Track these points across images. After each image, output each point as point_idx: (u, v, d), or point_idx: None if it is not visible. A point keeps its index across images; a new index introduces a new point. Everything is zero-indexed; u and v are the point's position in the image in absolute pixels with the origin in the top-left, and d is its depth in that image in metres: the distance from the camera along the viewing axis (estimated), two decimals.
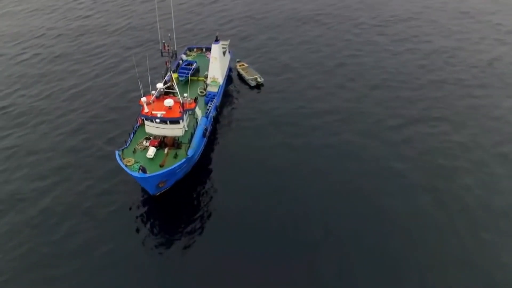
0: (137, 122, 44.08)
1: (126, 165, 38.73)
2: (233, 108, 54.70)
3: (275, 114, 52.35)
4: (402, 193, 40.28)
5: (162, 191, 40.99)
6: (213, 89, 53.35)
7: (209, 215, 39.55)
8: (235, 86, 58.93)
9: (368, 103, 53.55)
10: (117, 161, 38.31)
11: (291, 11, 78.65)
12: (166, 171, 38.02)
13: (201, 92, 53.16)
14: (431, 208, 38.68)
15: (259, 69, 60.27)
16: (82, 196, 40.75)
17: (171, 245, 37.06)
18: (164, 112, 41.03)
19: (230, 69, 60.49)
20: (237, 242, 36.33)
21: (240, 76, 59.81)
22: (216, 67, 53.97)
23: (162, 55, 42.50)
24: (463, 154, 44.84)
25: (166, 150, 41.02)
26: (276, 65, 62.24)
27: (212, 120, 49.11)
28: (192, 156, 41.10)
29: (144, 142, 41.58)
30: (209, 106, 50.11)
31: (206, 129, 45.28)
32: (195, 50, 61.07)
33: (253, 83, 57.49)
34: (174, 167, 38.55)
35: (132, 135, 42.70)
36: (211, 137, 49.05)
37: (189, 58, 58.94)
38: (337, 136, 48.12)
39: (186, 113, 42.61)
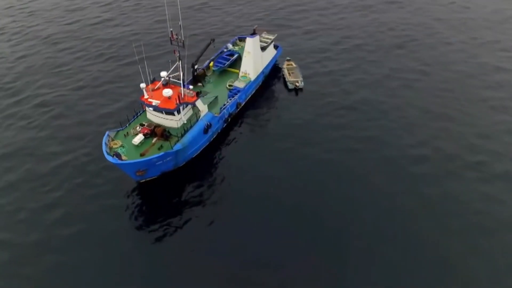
0: (142, 108, 44.03)
1: (111, 147, 39.09)
2: (258, 108, 51.08)
3: (294, 124, 47.81)
4: None
5: (146, 179, 40.49)
6: (239, 84, 50.64)
7: (190, 207, 38.45)
8: (273, 86, 55.08)
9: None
10: (102, 142, 38.71)
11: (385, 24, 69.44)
12: (140, 161, 37.12)
13: (229, 86, 51.03)
14: None
15: (309, 73, 55.59)
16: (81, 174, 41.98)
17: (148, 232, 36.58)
18: (159, 102, 40.04)
19: (274, 67, 56.91)
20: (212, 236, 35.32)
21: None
22: (249, 62, 50.89)
23: (171, 44, 41.29)
24: None
25: (154, 140, 40.22)
26: (328, 73, 56.33)
27: (226, 117, 46.73)
28: (179, 150, 39.49)
29: (138, 128, 41.31)
30: (227, 102, 47.72)
31: (208, 126, 43.13)
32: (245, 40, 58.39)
33: (290, 86, 52.96)
34: (150, 159, 37.43)
35: (132, 119, 42.86)
36: (222, 135, 46.79)
37: (236, 49, 56.81)
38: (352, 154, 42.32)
39: (183, 106, 40.96)
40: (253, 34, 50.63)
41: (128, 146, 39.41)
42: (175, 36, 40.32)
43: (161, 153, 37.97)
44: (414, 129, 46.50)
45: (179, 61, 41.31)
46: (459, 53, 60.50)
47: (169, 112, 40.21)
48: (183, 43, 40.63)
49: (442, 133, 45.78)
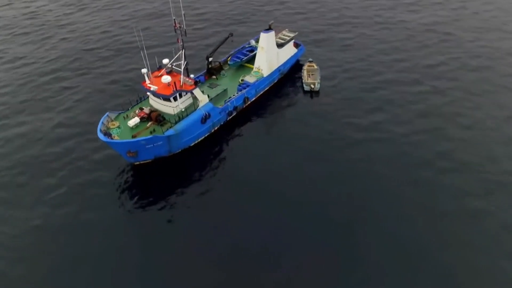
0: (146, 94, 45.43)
1: (109, 127, 40.90)
2: (269, 106, 50.30)
3: (300, 126, 46.39)
4: None
5: (139, 162, 41.71)
6: (250, 79, 50.28)
7: (182, 196, 38.93)
8: (290, 85, 53.86)
9: None
10: (100, 121, 40.60)
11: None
12: (127, 142, 38.23)
13: (241, 80, 51.01)
14: None
15: (330, 78, 53.86)
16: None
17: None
18: (157, 88, 41.11)
19: (295, 66, 55.80)
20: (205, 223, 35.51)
21: None
22: (262, 57, 50.36)
23: (175, 32, 42.22)
24: None
25: (148, 124, 41.34)
26: (350, 81, 53.86)
27: (230, 110, 46.68)
28: (171, 136, 40.17)
29: (137, 111, 42.78)
30: (233, 96, 47.72)
31: (206, 116, 43.39)
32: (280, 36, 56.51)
33: (306, 88, 51.49)
34: (138, 140, 38.45)
35: (135, 104, 44.42)
36: (226, 128, 46.78)
37: (257, 45, 56.50)
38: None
39: (180, 93, 41.57)
40: (268, 29, 50.03)
41: (124, 127, 40.88)
42: (178, 25, 41.18)
43: (150, 136, 38.91)
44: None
45: (182, 50, 42.16)
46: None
47: (166, 98, 41.04)
48: (185, 32, 41.39)
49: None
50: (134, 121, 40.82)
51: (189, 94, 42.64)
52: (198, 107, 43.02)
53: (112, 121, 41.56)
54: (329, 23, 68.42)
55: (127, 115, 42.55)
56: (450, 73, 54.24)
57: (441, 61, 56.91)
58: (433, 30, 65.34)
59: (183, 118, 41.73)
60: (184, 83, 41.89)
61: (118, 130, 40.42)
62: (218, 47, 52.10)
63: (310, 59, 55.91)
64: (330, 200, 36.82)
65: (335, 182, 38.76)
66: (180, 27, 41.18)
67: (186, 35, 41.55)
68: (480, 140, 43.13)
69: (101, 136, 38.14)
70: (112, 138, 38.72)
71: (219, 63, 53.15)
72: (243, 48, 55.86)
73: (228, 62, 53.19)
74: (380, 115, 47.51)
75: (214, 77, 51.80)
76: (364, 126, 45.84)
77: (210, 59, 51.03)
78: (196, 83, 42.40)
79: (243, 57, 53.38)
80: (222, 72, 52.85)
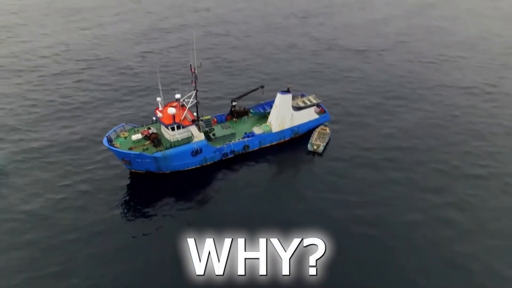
0: None
1: (119, 135, 50.24)
2: (267, 156, 54.41)
3: (288, 190, 49.15)
4: None
5: (134, 170, 50.01)
6: (257, 130, 55.07)
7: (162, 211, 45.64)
8: (298, 143, 56.93)
9: None
10: (113, 128, 50.27)
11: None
12: (117, 151, 46.78)
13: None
14: None
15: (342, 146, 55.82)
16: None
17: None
18: (162, 116, 49.10)
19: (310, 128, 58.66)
20: None
21: None
22: (274, 114, 54.86)
23: (191, 75, 49.65)
24: None
25: (146, 142, 49.46)
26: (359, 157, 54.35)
27: (225, 152, 52.11)
28: (158, 158, 47.42)
29: (145, 129, 51.31)
30: (234, 140, 53.12)
31: (197, 151, 49.76)
32: (298, 96, 60.56)
33: (309, 148, 54.39)
34: (126, 153, 46.72)
35: (150, 123, 52.99)
36: (219, 164, 52.37)
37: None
38: None
39: (178, 126, 48.54)
40: (286, 91, 54.38)
41: (128, 139, 49.75)
42: (193, 70, 48.70)
43: (138, 152, 47.01)
44: None
45: (194, 91, 49.62)
46: None
47: (165, 126, 48.76)
48: (196, 77, 48.74)
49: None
50: (137, 136, 49.43)
51: (188, 128, 49.58)
52: (192, 141, 49.72)
53: (124, 131, 50.84)
54: (367, 105, 67.24)
55: (137, 130, 51.42)
56: None
57: None
58: None
59: (175, 146, 48.86)
60: (185, 118, 49.07)
61: (123, 140, 49.42)
62: (245, 94, 58.33)
63: (326, 123, 58.43)
64: None
65: None
66: (194, 71, 48.62)
67: (197, 80, 48.73)
68: None
69: (104, 140, 47.50)
70: (113, 145, 47.82)
71: (244, 108, 59.11)
72: (272, 101, 60.66)
73: (251, 111, 58.76)
74: (370, 209, 46.01)
75: (234, 119, 57.94)
76: (344, 206, 46.04)
77: (234, 103, 57.46)
78: (194, 121, 49.23)
79: (268, 108, 58.21)
80: (245, 117, 58.51)
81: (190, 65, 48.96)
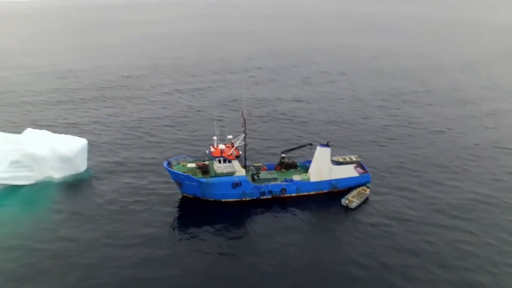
0: None
1: (179, 163, 61.22)
2: (303, 204, 58.26)
3: (314, 240, 51.04)
4: None
5: (184, 194, 59.64)
6: (296, 178, 60.65)
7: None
8: (335, 196, 60.28)
9: None
10: (176, 157, 61.63)
11: None
12: (172, 171, 57.15)
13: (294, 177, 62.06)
14: None
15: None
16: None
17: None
18: (213, 150, 58.90)
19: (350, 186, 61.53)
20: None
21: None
22: (313, 165, 60.22)
23: (242, 120, 59.21)
24: None
25: (197, 170, 59.21)
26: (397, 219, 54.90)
27: (263, 190, 58.42)
28: (202, 183, 56.27)
29: (200, 162, 61.45)
30: (274, 182, 59.47)
31: (237, 184, 57.38)
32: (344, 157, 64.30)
33: (343, 202, 57.51)
34: (177, 173, 56.70)
35: (207, 159, 63.00)
36: (257, 203, 58.54)
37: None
38: None
39: (224, 159, 57.36)
40: (325, 145, 59.90)
41: (184, 166, 60.35)
42: (244, 116, 58.54)
43: (187, 174, 56.80)
44: None
45: (243, 134, 59.01)
46: None
47: (214, 158, 58.18)
48: (245, 122, 58.25)
49: None
50: (191, 165, 59.71)
51: (233, 163, 58.12)
52: (234, 175, 57.92)
53: (185, 161, 61.79)
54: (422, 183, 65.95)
55: (194, 162, 61.96)
56: None
57: None
58: None
59: (219, 176, 57.61)
60: (231, 154, 58.07)
61: (180, 167, 60.19)
62: (294, 149, 65.43)
63: (368, 185, 60.87)
64: None
65: None
66: (244, 118, 58.40)
67: (245, 125, 58.21)
68: None
69: (165, 163, 58.80)
70: (171, 168, 58.82)
71: (293, 161, 65.72)
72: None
73: (298, 163, 65.09)
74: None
75: (283, 170, 64.67)
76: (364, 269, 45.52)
77: (283, 155, 64.75)
78: (237, 157, 57.81)
79: (308, 164, 63.81)
80: (292, 170, 64.88)
81: (242, 111, 59.07)
